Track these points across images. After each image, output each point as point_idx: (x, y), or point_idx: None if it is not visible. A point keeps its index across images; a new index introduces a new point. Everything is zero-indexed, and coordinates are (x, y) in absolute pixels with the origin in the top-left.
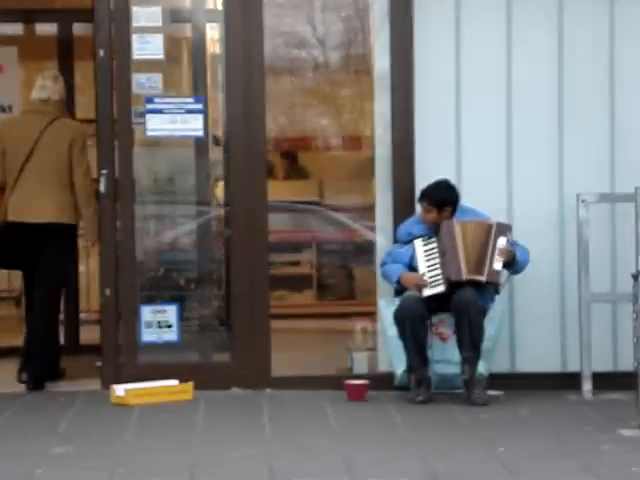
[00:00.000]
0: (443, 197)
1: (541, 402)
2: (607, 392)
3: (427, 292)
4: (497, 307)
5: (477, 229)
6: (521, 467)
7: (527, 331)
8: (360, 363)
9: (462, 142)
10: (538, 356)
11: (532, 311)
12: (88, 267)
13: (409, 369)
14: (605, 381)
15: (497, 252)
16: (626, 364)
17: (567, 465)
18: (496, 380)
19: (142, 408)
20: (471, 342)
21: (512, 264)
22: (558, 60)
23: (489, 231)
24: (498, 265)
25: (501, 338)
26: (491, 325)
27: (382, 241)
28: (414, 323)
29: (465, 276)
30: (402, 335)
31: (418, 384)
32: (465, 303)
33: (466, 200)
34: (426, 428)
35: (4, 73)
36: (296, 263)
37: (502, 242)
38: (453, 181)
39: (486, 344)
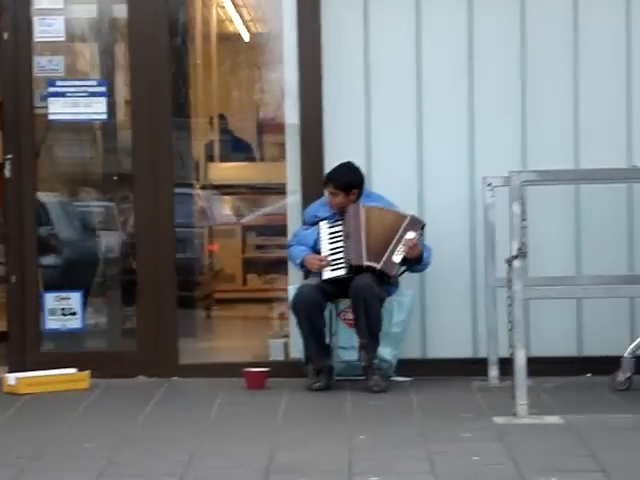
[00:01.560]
0: (349, 180)
1: (442, 389)
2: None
3: (327, 275)
4: (407, 292)
5: (388, 217)
6: (364, 456)
7: (438, 317)
8: (277, 350)
9: (372, 125)
10: (449, 342)
11: (443, 297)
12: None
13: (306, 358)
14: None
15: (402, 244)
16: (537, 350)
17: (410, 453)
18: (407, 366)
19: (31, 397)
20: (367, 328)
21: (417, 261)
22: (467, 43)
23: (400, 222)
24: (397, 257)
25: (411, 324)
26: (400, 310)
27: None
28: (310, 312)
29: (365, 262)
30: (299, 324)
31: (317, 373)
32: (361, 289)
33: (377, 183)
34: (301, 416)
35: None
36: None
37: (410, 236)
38: (364, 165)
39: (395, 330)
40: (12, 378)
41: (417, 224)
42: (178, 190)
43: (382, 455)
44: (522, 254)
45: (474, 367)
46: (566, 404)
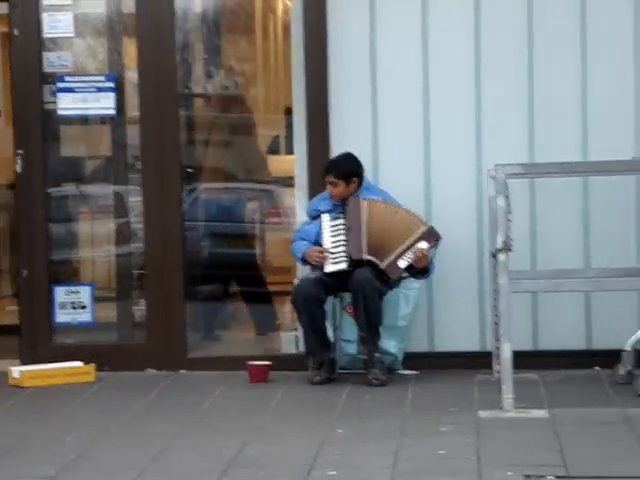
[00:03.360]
0: (348, 168)
1: (444, 382)
2: (523, 371)
3: (328, 268)
4: (413, 285)
5: (396, 215)
6: (332, 450)
7: (445, 310)
8: (288, 343)
9: (379, 116)
10: (457, 335)
11: (450, 289)
12: None
13: (307, 352)
14: (525, 360)
15: (411, 251)
16: (546, 343)
17: (379, 447)
18: (414, 359)
19: (34, 390)
20: (366, 321)
21: (422, 273)
22: (474, 33)
23: (414, 227)
24: (403, 263)
25: (418, 317)
26: (407, 304)
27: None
28: (309, 305)
29: (365, 255)
30: (298, 317)
31: (318, 366)
32: (360, 282)
33: (384, 176)
34: (291, 410)
35: None
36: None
37: (423, 246)
38: (370, 156)
39: (400, 323)
40: (16, 371)
41: (433, 236)
42: (245, 185)
43: (350, 449)
44: (507, 247)
45: (481, 360)
46: (560, 398)
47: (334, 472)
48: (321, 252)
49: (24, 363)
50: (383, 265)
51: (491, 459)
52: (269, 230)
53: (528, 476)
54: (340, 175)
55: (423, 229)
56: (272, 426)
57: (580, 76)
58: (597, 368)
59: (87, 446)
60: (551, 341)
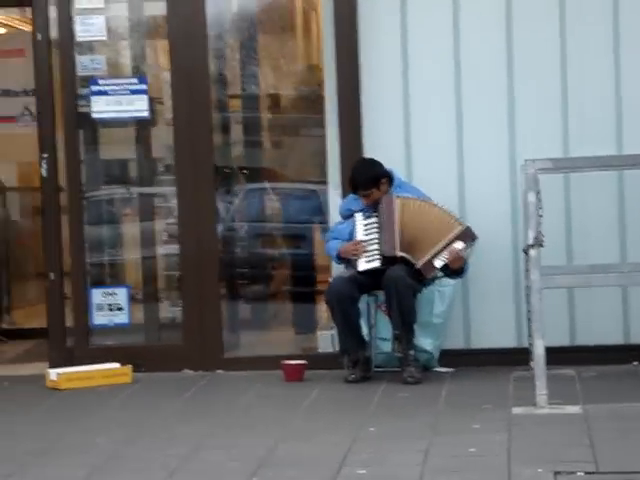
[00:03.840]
0: (372, 174)
1: (479, 379)
2: (560, 367)
3: (362, 267)
4: (449, 282)
5: (432, 213)
6: (363, 448)
7: (481, 306)
8: (325, 342)
9: (410, 109)
10: (493, 332)
11: (486, 286)
12: None
13: (342, 351)
14: (562, 356)
15: (447, 251)
16: (583, 339)
17: (410, 445)
18: (450, 357)
19: (71, 392)
20: (400, 319)
21: (456, 273)
22: (506, 27)
23: (450, 227)
24: (439, 263)
25: (454, 314)
26: (442, 301)
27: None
28: (343, 304)
29: (398, 252)
30: (332, 316)
31: (354, 365)
32: (394, 280)
33: (417, 172)
34: (324, 408)
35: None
36: None
37: (459, 246)
38: (403, 149)
39: (436, 320)
40: (54, 374)
41: (469, 236)
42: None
43: (382, 447)
44: (538, 243)
45: (518, 357)
46: (595, 394)
47: (364, 471)
48: (356, 244)
49: (53, 366)
50: (419, 264)
51: (522, 456)
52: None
53: (558, 472)
54: (368, 187)
55: (459, 229)
56: (304, 424)
57: (614, 69)
58: (635, 363)
59: (119, 446)
60: (588, 336)
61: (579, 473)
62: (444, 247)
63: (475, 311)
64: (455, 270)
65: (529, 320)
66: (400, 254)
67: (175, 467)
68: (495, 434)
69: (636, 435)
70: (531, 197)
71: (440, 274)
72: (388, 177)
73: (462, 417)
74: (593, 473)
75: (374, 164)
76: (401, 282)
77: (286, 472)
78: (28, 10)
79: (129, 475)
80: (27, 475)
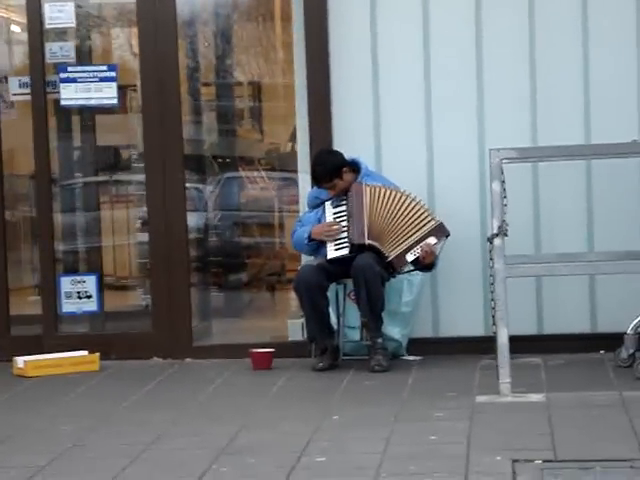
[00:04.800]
0: (332, 166)
1: (447, 368)
2: (527, 356)
3: (331, 255)
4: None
5: (400, 202)
6: (324, 437)
7: (450, 295)
8: (295, 331)
9: (380, 99)
10: (461, 320)
11: (455, 274)
12: None
13: (310, 339)
14: (529, 345)
15: (419, 246)
16: (551, 327)
17: (372, 434)
18: (419, 345)
19: (38, 380)
20: (368, 307)
21: (427, 268)
22: (475, 19)
23: (423, 221)
24: (410, 257)
25: (423, 302)
26: (410, 290)
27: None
28: (311, 293)
29: (367, 240)
30: (300, 304)
31: (322, 353)
32: (362, 267)
33: (387, 162)
34: (290, 396)
35: None
36: None
37: (432, 241)
38: (372, 139)
39: (404, 309)
40: (21, 361)
41: (443, 232)
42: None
43: (343, 435)
44: (502, 232)
45: (486, 345)
46: (560, 382)
47: (323, 458)
48: (330, 225)
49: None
50: (391, 257)
51: (481, 444)
52: (287, 217)
53: (516, 460)
54: (329, 179)
55: (433, 224)
56: (268, 413)
57: (582, 59)
58: (602, 352)
59: (82, 434)
60: (556, 325)
61: (537, 461)
62: (417, 241)
63: (444, 300)
64: (425, 265)
65: (492, 309)
66: (369, 242)
67: (136, 455)
68: (457, 422)
69: (597, 423)
70: (495, 186)
71: (410, 267)
72: (350, 166)
73: (426, 405)
74: (551, 461)
75: (332, 154)
76: (369, 270)
77: (246, 460)
78: None
79: (90, 463)
80: None
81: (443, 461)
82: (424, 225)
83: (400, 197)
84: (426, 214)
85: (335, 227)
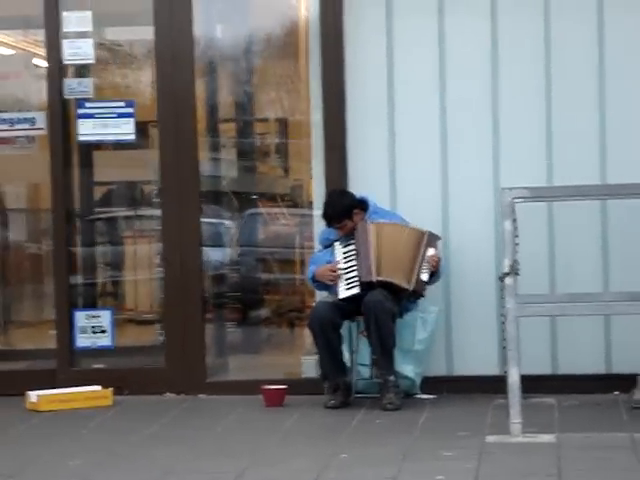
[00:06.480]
0: (343, 207)
1: (460, 407)
2: (542, 396)
3: (342, 294)
4: (431, 309)
5: (404, 233)
6: (332, 475)
7: (464, 333)
8: (309, 367)
9: (396, 137)
10: (476, 359)
11: (469, 313)
12: None
13: (322, 376)
14: (544, 384)
15: (425, 262)
16: (565, 367)
17: (379, 472)
18: (433, 383)
19: (51, 414)
20: (379, 344)
21: (435, 275)
22: (491, 58)
23: (420, 239)
24: (425, 276)
25: (437, 340)
26: (424, 328)
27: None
28: (324, 330)
29: (375, 277)
30: (314, 341)
31: (334, 390)
32: (372, 305)
33: (402, 199)
34: (301, 434)
35: None
36: None
37: (432, 252)
38: (388, 179)
39: (418, 347)
40: (34, 395)
41: (435, 239)
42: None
43: (351, 473)
44: (514, 271)
45: (500, 385)
46: (572, 423)
47: None
48: (333, 270)
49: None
50: (411, 286)
51: None
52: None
53: None
54: (340, 219)
55: (425, 238)
56: (278, 450)
57: (598, 96)
58: (616, 393)
59: (90, 470)
60: (570, 365)
61: None
62: (422, 260)
63: (458, 338)
64: (434, 272)
65: (504, 348)
66: (378, 279)
67: None
68: (465, 462)
69: (605, 465)
70: (507, 225)
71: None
72: (360, 206)
73: (435, 444)
74: None
75: (344, 196)
76: (379, 307)
77: None
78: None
79: None
80: None
81: None
82: (419, 242)
83: (399, 227)
84: (415, 231)
85: (336, 273)
